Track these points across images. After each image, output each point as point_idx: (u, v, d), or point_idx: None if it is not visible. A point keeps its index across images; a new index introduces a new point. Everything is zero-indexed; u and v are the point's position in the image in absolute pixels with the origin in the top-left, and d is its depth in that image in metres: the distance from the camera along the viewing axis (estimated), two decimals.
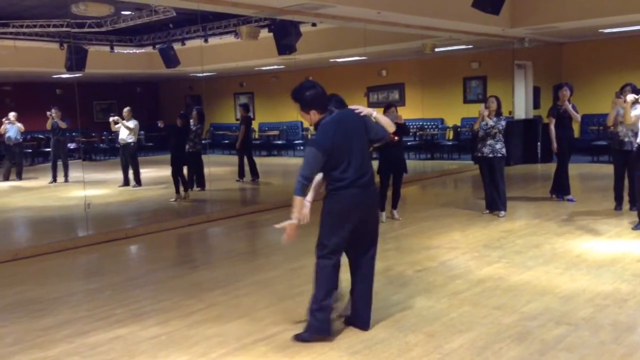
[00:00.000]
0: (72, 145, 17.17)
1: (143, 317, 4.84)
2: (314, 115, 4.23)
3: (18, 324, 4.83)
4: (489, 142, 8.24)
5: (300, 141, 19.12)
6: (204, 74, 19.67)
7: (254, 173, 13.04)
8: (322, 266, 4.26)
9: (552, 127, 9.18)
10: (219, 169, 14.40)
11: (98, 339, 4.42)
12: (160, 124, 11.83)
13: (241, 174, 13.23)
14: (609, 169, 9.57)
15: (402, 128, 8.21)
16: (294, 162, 13.60)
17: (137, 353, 4.14)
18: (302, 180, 4.10)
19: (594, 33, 13.95)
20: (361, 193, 4.18)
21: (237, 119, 19.25)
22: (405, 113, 14.69)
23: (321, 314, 4.18)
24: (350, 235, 4.23)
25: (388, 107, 8.14)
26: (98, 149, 20.25)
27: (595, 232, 7.27)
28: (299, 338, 4.22)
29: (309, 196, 4.33)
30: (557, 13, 11.92)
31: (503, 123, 8.26)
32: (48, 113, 13.63)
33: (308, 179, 4.13)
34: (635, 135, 7.41)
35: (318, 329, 4.20)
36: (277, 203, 10.21)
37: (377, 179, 8.36)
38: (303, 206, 4.23)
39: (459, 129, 16.95)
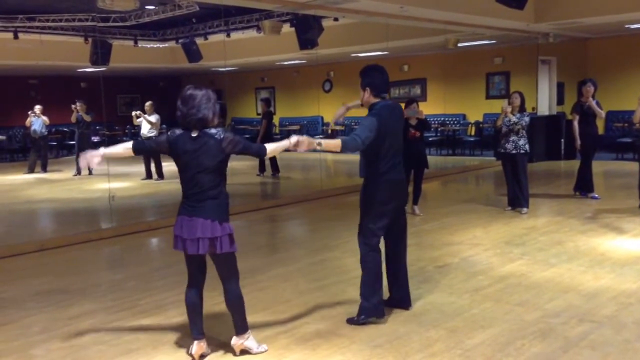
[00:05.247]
0: (95, 139, 17.39)
1: (167, 308, 4.91)
2: (367, 95, 4.43)
3: (45, 313, 4.93)
4: (512, 138, 8.18)
5: (320, 136, 19.13)
6: (226, 69, 19.76)
7: (275, 167, 13.09)
8: (366, 251, 4.44)
9: (576, 123, 9.08)
10: (239, 163, 14.44)
11: (123, 328, 4.49)
12: None
13: (262, 169, 13.29)
14: (633, 166, 9.44)
15: (423, 123, 8.20)
16: (314, 156, 13.64)
17: (160, 343, 4.20)
18: (358, 140, 4.15)
19: (620, 28, 13.73)
20: (401, 180, 4.50)
21: (258, 114, 19.33)
22: (427, 108, 14.66)
23: (374, 297, 4.40)
24: (389, 221, 4.48)
25: (409, 103, 8.12)
26: (121, 142, 20.31)
27: (620, 229, 7.19)
28: (352, 322, 4.41)
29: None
30: (582, 8, 11.76)
31: (526, 119, 8.20)
32: (73, 106, 13.82)
33: (363, 142, 4.18)
34: None
35: (372, 311, 4.40)
36: (298, 197, 10.26)
37: None
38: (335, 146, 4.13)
39: (481, 125, 16.84)
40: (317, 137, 4.19)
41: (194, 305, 3.96)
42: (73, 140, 15.28)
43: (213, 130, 3.73)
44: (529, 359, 3.76)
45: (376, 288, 4.43)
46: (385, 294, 4.71)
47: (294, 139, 3.83)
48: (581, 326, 4.25)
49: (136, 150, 3.98)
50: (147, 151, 3.95)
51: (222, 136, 3.71)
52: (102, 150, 3.91)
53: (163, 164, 13.07)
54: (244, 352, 3.97)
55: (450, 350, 3.92)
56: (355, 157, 4.64)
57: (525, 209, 8.32)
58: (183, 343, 4.18)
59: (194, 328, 3.94)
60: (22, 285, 5.77)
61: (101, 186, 11.36)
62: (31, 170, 14.79)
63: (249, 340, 3.95)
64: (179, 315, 4.71)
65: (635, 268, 5.61)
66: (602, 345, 3.93)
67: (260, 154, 3.93)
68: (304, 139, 3.85)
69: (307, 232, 8.45)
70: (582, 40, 15.71)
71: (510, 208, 8.53)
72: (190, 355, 3.94)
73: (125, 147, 3.95)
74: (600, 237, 6.84)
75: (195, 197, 3.77)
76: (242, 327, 3.93)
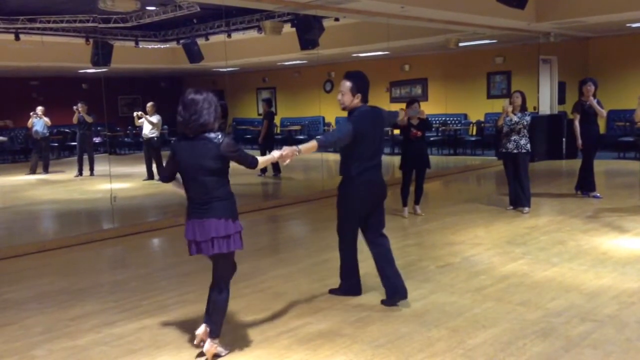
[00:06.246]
0: (97, 140, 17.41)
1: (169, 309, 4.92)
2: (357, 100, 4.64)
3: (47, 313, 4.94)
4: (514, 137, 8.18)
5: (320, 136, 19.10)
6: (227, 69, 19.77)
7: (276, 168, 13.09)
8: (341, 243, 4.92)
9: (577, 123, 9.08)
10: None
11: (125, 329, 4.50)
12: None
13: (263, 169, 13.29)
14: (635, 165, 9.45)
15: (424, 123, 8.19)
16: (315, 157, 13.60)
17: (163, 343, 4.20)
18: (331, 139, 4.63)
19: (621, 27, 13.72)
20: (374, 181, 4.72)
21: (259, 114, 19.34)
22: (428, 108, 14.66)
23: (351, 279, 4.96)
24: (362, 217, 4.77)
25: (411, 103, 8.10)
26: (123, 143, 20.49)
27: (621, 229, 7.18)
28: (333, 292, 5.06)
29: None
30: (584, 7, 11.75)
31: (528, 119, 8.19)
32: (74, 107, 13.82)
33: (336, 142, 4.59)
34: None
35: (349, 290, 5.00)
36: (299, 198, 10.27)
37: (399, 174, 8.43)
38: (303, 150, 4.35)
39: (482, 125, 16.83)
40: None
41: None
42: (75, 141, 15.28)
43: (212, 135, 3.77)
44: (531, 358, 3.76)
45: (352, 272, 4.97)
46: (383, 295, 4.81)
47: (277, 153, 4.20)
48: (583, 325, 4.25)
49: (165, 178, 4.10)
50: (175, 175, 4.01)
51: (221, 140, 3.77)
52: (178, 188, 4.08)
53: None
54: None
55: (452, 350, 3.92)
56: None
57: (526, 209, 8.31)
58: (186, 344, 4.18)
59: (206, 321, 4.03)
60: (24, 286, 5.77)
61: (103, 187, 11.37)
62: (33, 172, 14.81)
63: (219, 346, 3.93)
64: (182, 316, 4.72)
65: (637, 267, 5.60)
66: (603, 345, 3.92)
67: (252, 165, 4.00)
68: (287, 151, 4.19)
69: (308, 232, 8.45)
70: (583, 39, 15.69)
71: (511, 207, 8.53)
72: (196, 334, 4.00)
73: (174, 185, 4.10)
74: (602, 237, 6.84)
75: (203, 200, 3.81)
76: (217, 331, 3.90)
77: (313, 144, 4.41)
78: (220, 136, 3.78)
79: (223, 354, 3.95)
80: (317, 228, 8.30)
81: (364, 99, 4.68)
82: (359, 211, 4.73)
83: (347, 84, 4.65)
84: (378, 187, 4.78)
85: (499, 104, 10.55)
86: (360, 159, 4.64)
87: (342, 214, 4.81)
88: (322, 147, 4.49)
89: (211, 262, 3.98)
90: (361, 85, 4.66)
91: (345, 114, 4.78)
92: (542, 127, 14.71)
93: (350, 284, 5.02)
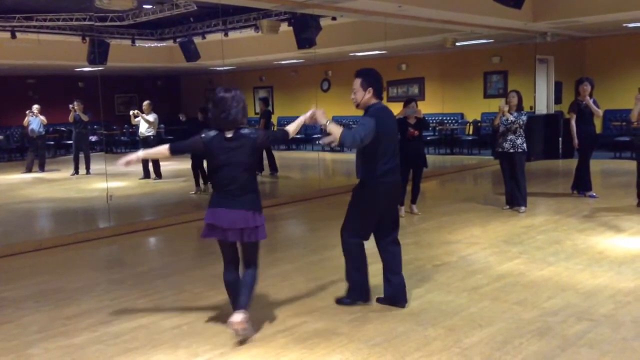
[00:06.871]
0: (93, 138, 17.37)
1: (165, 307, 4.91)
2: (369, 95, 4.47)
3: (42, 312, 4.92)
4: (510, 137, 8.19)
5: (319, 135, 19.12)
6: (224, 68, 19.75)
7: (273, 167, 13.08)
8: (349, 242, 4.63)
9: (573, 122, 9.10)
10: None
11: (121, 328, 4.49)
12: (182, 118, 11.93)
13: (260, 168, 13.27)
14: (631, 165, 9.46)
15: (421, 123, 8.20)
16: (312, 156, 13.62)
17: (159, 342, 4.20)
18: (357, 137, 4.28)
19: (618, 27, 13.74)
20: (396, 182, 4.57)
21: (256, 113, 19.29)
22: (425, 108, 14.68)
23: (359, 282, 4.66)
24: (377, 221, 4.57)
25: (408, 102, 8.12)
26: (119, 141, 20.45)
27: (617, 228, 7.20)
28: (340, 302, 4.73)
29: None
30: (580, 7, 11.77)
31: (524, 118, 8.20)
32: (70, 106, 13.80)
33: (362, 139, 4.29)
34: None
35: (358, 294, 4.69)
36: (296, 197, 10.26)
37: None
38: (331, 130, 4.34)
39: (479, 124, 16.85)
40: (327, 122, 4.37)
41: (235, 283, 4.25)
42: (71, 140, 15.26)
43: (246, 130, 4.07)
44: (527, 357, 3.77)
45: (361, 274, 4.66)
46: (380, 293, 4.77)
47: (310, 112, 4.29)
48: (579, 324, 4.26)
49: (173, 151, 4.19)
50: (183, 152, 4.17)
51: (255, 135, 4.09)
52: (141, 153, 4.24)
53: (161, 163, 13.07)
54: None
55: (448, 348, 3.92)
56: (354, 156, 4.67)
57: (523, 208, 8.32)
58: (182, 342, 4.18)
59: (235, 303, 4.17)
60: (19, 285, 5.76)
61: (99, 186, 11.34)
62: (29, 170, 14.78)
63: (248, 321, 4.09)
64: (178, 315, 4.72)
65: (633, 266, 5.62)
66: (599, 344, 3.93)
67: (286, 138, 4.33)
68: (320, 111, 4.30)
69: (305, 231, 8.45)
70: (579, 39, 15.72)
71: (508, 207, 8.54)
72: (231, 323, 4.04)
73: (162, 149, 4.22)
74: (598, 236, 6.85)
75: (234, 192, 4.05)
76: (245, 304, 4.09)
77: (339, 130, 4.24)
78: (253, 132, 4.11)
79: (249, 333, 4.13)
80: (313, 227, 8.30)
81: (377, 95, 4.51)
82: (378, 214, 4.54)
83: (357, 80, 4.52)
84: (399, 188, 4.69)
85: (495, 104, 10.54)
86: (384, 158, 4.44)
87: (359, 215, 4.55)
88: (344, 142, 4.25)
89: (221, 249, 4.26)
90: (372, 80, 4.50)
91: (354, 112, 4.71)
92: (539, 127, 14.73)
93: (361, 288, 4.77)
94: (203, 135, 4.08)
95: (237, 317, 4.00)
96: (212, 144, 4.03)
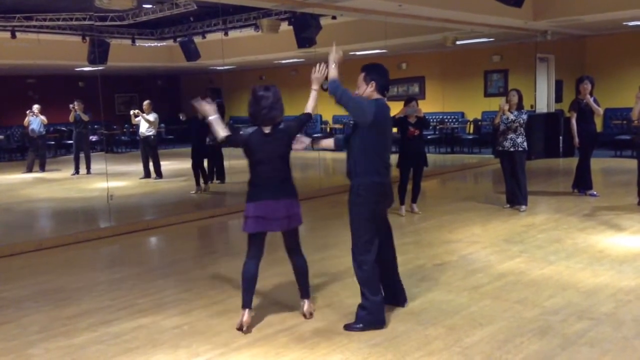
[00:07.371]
0: (94, 138, 17.37)
1: (165, 307, 4.91)
2: (371, 89, 4.40)
3: (43, 312, 4.92)
4: (510, 136, 8.18)
5: (319, 134, 19.12)
6: (224, 67, 19.73)
7: None
8: (363, 262, 4.32)
9: (574, 121, 9.09)
10: (239, 161, 14.36)
11: (121, 327, 4.49)
12: (182, 117, 11.92)
13: None
14: (632, 163, 9.44)
15: (422, 122, 8.19)
16: (312, 155, 13.60)
17: (159, 342, 4.19)
18: (338, 93, 4.20)
19: (618, 26, 13.73)
20: (386, 183, 4.46)
21: None
22: (426, 106, 14.65)
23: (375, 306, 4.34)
24: (377, 225, 4.45)
25: (408, 101, 8.11)
26: (119, 141, 20.45)
27: (618, 227, 7.19)
28: (350, 328, 4.28)
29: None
30: (581, 5, 11.76)
31: (524, 117, 8.19)
32: (71, 106, 13.79)
33: (341, 97, 4.20)
34: None
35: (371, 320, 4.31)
36: None
37: (396, 172, 8.42)
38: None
39: (479, 123, 16.84)
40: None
41: (254, 276, 4.40)
42: (71, 140, 15.25)
43: (282, 125, 4.35)
44: (528, 356, 3.76)
45: (380, 297, 4.34)
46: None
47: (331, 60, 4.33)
48: (580, 323, 4.25)
49: (229, 140, 4.36)
50: (232, 144, 4.42)
51: (288, 127, 4.38)
52: (213, 115, 4.36)
53: (162, 163, 13.07)
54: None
55: (449, 348, 3.92)
56: None
57: (523, 207, 8.32)
58: (182, 342, 4.17)
59: (248, 298, 4.31)
60: (20, 285, 5.76)
61: (99, 185, 11.34)
62: (29, 170, 14.77)
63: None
64: (178, 314, 4.71)
65: (633, 265, 5.61)
66: (600, 343, 3.93)
67: (310, 118, 4.61)
68: (334, 54, 4.38)
69: (305, 230, 8.38)
70: (580, 37, 15.71)
71: (508, 206, 8.53)
72: (241, 323, 4.24)
73: (222, 131, 4.36)
74: (599, 235, 6.84)
75: (276, 181, 4.31)
76: (308, 291, 4.54)
77: (334, 77, 4.28)
78: (287, 124, 4.37)
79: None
80: (314, 227, 8.29)
81: (380, 90, 4.38)
82: (378, 217, 4.39)
83: (361, 75, 4.48)
84: (392, 188, 4.54)
85: (496, 102, 10.52)
86: (380, 157, 4.32)
87: (367, 224, 4.29)
88: (330, 87, 4.25)
89: (252, 241, 4.46)
90: (375, 75, 4.40)
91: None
92: (539, 126, 14.71)
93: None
94: (242, 132, 4.31)
95: (309, 305, 4.50)
96: (252, 140, 4.25)
